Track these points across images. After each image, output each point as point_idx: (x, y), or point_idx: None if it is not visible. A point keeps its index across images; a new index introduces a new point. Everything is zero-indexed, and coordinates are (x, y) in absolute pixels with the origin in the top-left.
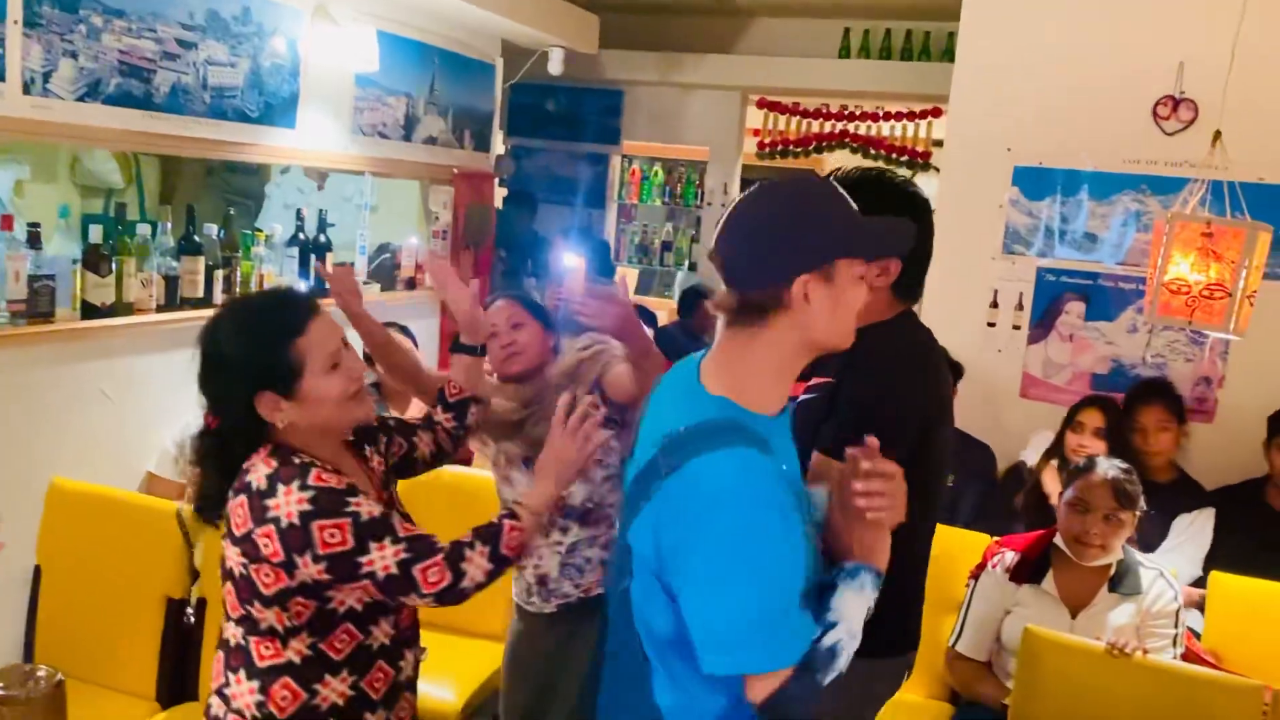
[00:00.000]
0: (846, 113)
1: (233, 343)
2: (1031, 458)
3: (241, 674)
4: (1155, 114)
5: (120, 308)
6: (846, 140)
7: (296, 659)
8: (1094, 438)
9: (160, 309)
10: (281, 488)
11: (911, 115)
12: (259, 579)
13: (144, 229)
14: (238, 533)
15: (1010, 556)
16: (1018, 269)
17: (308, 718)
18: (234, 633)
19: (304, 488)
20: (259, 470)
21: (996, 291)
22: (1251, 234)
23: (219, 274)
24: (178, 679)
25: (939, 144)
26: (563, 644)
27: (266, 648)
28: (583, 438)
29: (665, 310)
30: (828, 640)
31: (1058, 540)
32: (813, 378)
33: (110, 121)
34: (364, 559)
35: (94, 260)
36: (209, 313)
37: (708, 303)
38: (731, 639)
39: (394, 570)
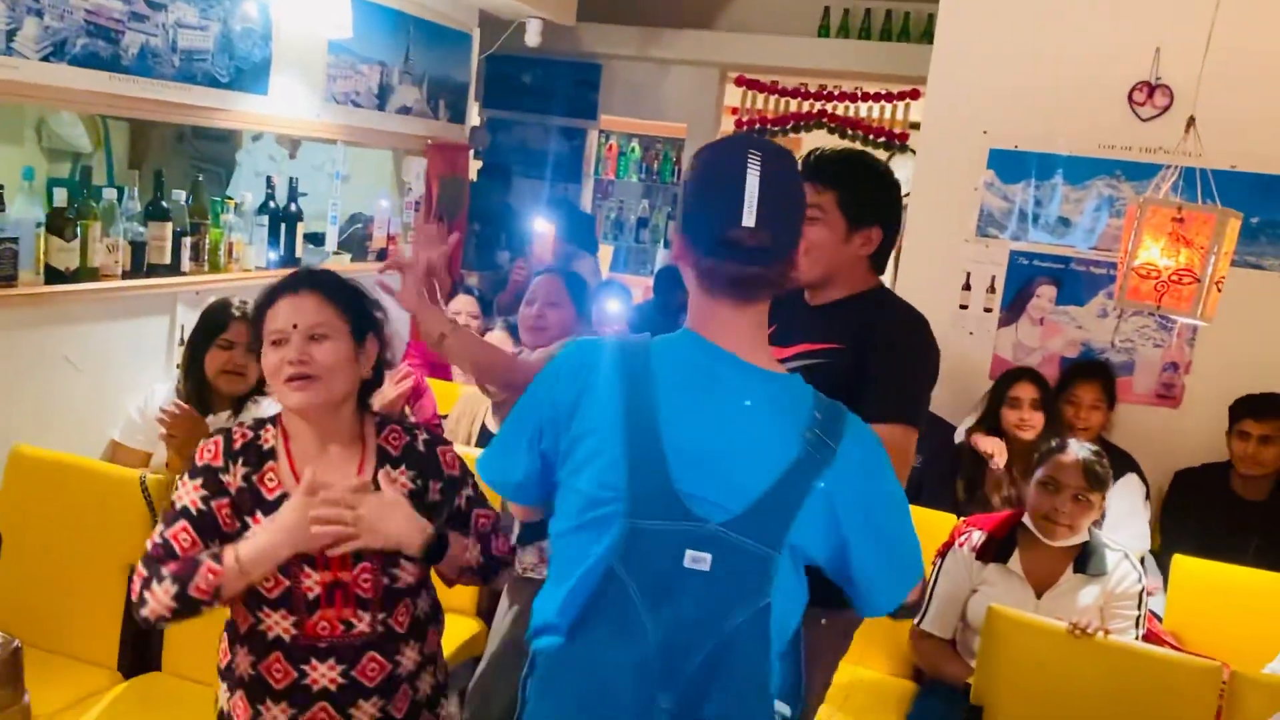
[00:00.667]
0: (825, 92)
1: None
2: (960, 437)
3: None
4: (1131, 99)
5: (85, 273)
6: (824, 120)
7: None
8: (1032, 410)
9: (126, 275)
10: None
11: (890, 97)
12: None
13: (110, 193)
14: None
15: (977, 536)
16: (991, 252)
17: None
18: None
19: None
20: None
21: (969, 274)
22: (1222, 220)
23: (186, 241)
24: (140, 649)
25: (916, 127)
26: None
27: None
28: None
29: (640, 288)
30: None
31: (1025, 520)
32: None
33: (76, 82)
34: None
35: (58, 224)
36: (176, 280)
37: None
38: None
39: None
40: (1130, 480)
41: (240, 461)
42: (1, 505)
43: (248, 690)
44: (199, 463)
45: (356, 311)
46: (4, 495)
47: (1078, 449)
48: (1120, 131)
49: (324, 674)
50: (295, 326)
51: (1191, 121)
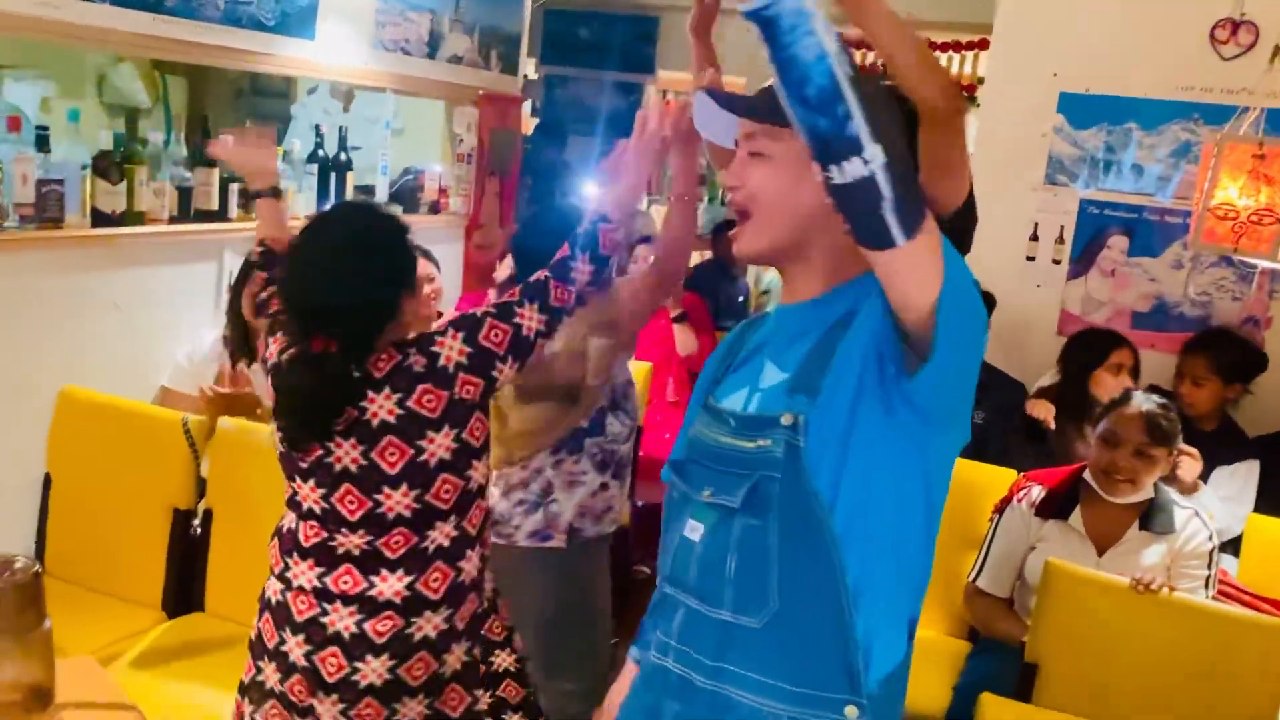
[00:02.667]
0: None
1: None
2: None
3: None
4: (1212, 37)
5: (131, 217)
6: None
7: (446, 542)
8: (1131, 377)
9: (173, 220)
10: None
11: (959, 47)
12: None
13: (156, 138)
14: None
15: (1037, 491)
16: (1060, 200)
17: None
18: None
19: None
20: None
21: (1037, 224)
22: None
23: (234, 187)
24: (184, 589)
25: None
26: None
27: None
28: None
29: (696, 252)
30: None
31: (1087, 475)
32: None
33: (119, 24)
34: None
35: (104, 166)
36: (223, 227)
37: None
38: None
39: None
40: (1249, 466)
41: None
42: (51, 447)
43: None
44: None
45: None
46: (53, 437)
47: (1141, 401)
48: (1200, 72)
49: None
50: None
51: (1277, 51)
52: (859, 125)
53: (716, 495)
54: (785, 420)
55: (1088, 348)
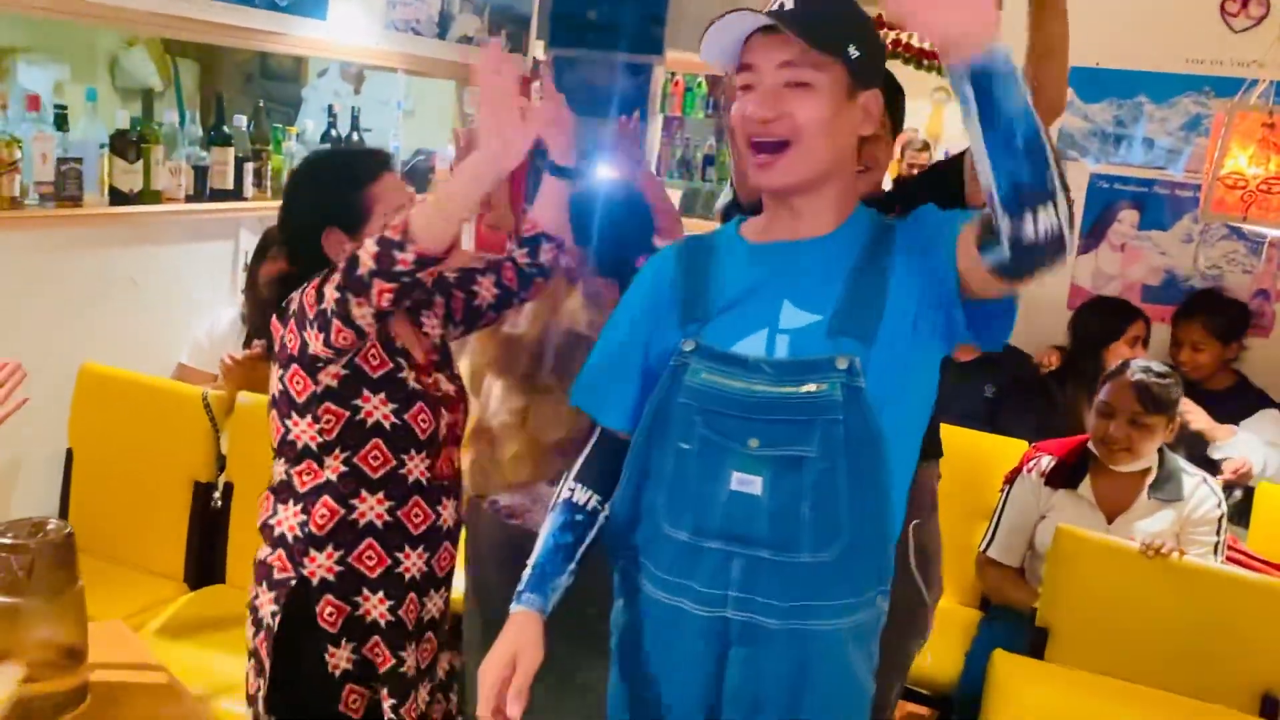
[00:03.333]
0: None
1: (314, 181)
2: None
3: (288, 503)
4: (1223, 10)
5: (148, 195)
6: (899, 51)
7: (334, 477)
8: (1144, 349)
9: (189, 199)
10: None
11: None
12: (292, 388)
13: (172, 117)
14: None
15: (1046, 461)
16: (1070, 175)
17: (346, 532)
18: (278, 470)
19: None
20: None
21: None
22: None
23: (249, 167)
24: (206, 561)
25: None
26: None
27: (307, 474)
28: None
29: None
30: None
31: (1092, 446)
32: None
33: (131, 2)
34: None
35: (121, 146)
36: (239, 205)
37: None
38: None
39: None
40: (1270, 414)
41: None
42: (73, 422)
43: (382, 537)
44: None
45: None
46: (74, 412)
47: (1136, 370)
48: (1210, 44)
49: (450, 514)
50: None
51: None
52: (1055, 175)
53: (773, 446)
54: (840, 364)
55: (1104, 319)
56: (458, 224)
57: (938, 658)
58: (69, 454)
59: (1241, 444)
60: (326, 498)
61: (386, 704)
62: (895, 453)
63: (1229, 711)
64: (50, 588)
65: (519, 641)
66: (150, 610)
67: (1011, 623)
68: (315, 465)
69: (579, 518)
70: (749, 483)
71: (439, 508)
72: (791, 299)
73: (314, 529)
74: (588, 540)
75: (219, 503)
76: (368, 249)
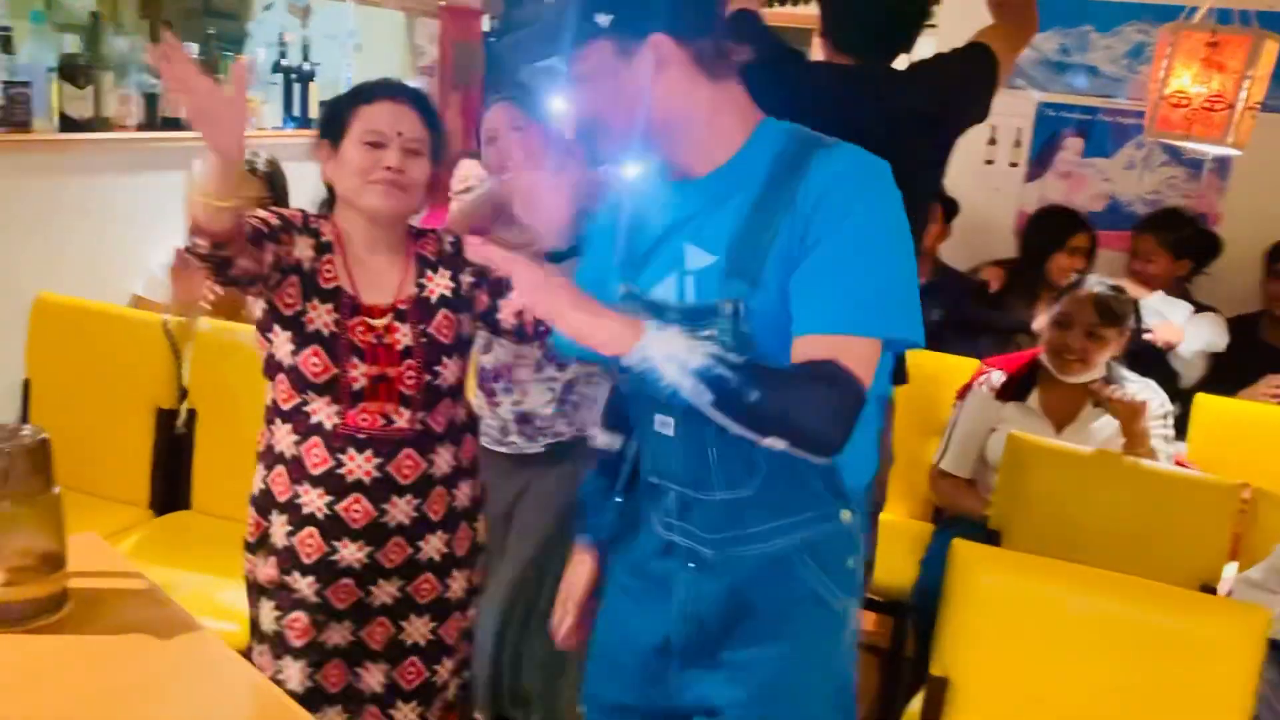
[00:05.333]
0: None
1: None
2: None
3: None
4: None
5: (99, 123)
6: None
7: (269, 400)
8: (1086, 260)
9: (141, 128)
10: None
11: None
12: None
13: (121, 43)
14: None
15: (996, 376)
16: (1016, 104)
17: (269, 455)
18: None
19: None
20: None
21: (994, 127)
22: (1257, 41)
23: None
24: (170, 487)
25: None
26: (565, 481)
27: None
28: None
29: None
30: None
31: (1043, 358)
32: None
33: None
34: None
35: (71, 71)
36: (191, 135)
37: None
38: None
39: None
40: (1221, 319)
41: (310, 239)
42: (29, 352)
43: (289, 468)
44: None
45: (439, 136)
46: (31, 342)
47: (1093, 284)
48: None
49: (360, 465)
50: (400, 134)
51: None
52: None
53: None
54: (726, 308)
55: (1047, 229)
56: (226, 202)
57: (893, 568)
58: (26, 384)
59: (1175, 313)
60: (266, 419)
61: (269, 616)
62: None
63: (1184, 591)
64: (26, 493)
65: (571, 572)
66: (117, 535)
67: (964, 530)
68: (266, 386)
69: (607, 459)
70: (666, 424)
71: (342, 456)
72: (693, 240)
73: (259, 446)
74: (624, 475)
75: (183, 429)
76: None
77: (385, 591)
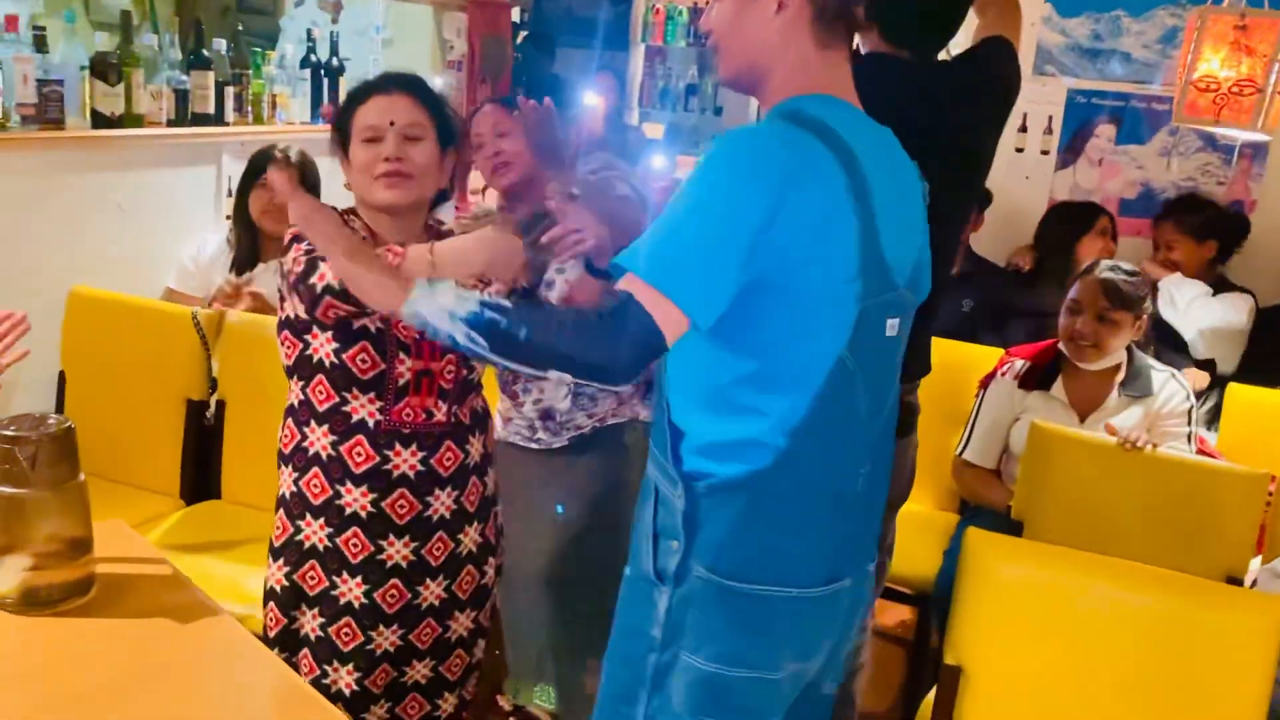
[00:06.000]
0: None
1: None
2: None
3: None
4: None
5: (130, 119)
6: None
7: (295, 402)
8: (1112, 241)
9: (171, 124)
10: None
11: None
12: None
13: (152, 40)
14: None
15: (1020, 365)
16: (1048, 91)
17: (300, 457)
18: None
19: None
20: None
21: (1025, 115)
22: None
23: (229, 91)
24: (201, 477)
25: None
26: (589, 472)
27: (289, 393)
28: None
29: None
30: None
31: (1061, 345)
32: None
33: None
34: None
35: (102, 68)
36: (220, 130)
37: None
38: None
39: None
40: (1245, 299)
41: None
42: (64, 344)
43: (326, 468)
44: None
45: (443, 118)
46: (65, 335)
47: (1104, 268)
48: None
49: (406, 460)
50: (392, 124)
51: None
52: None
53: None
54: None
55: (1069, 219)
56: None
57: (916, 559)
58: (61, 376)
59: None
60: (289, 421)
61: (312, 624)
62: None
63: (1199, 580)
64: (54, 480)
65: None
66: (149, 524)
67: (987, 520)
68: (291, 386)
69: None
70: None
71: (389, 452)
72: None
73: (282, 448)
74: None
75: (212, 420)
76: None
77: (432, 592)
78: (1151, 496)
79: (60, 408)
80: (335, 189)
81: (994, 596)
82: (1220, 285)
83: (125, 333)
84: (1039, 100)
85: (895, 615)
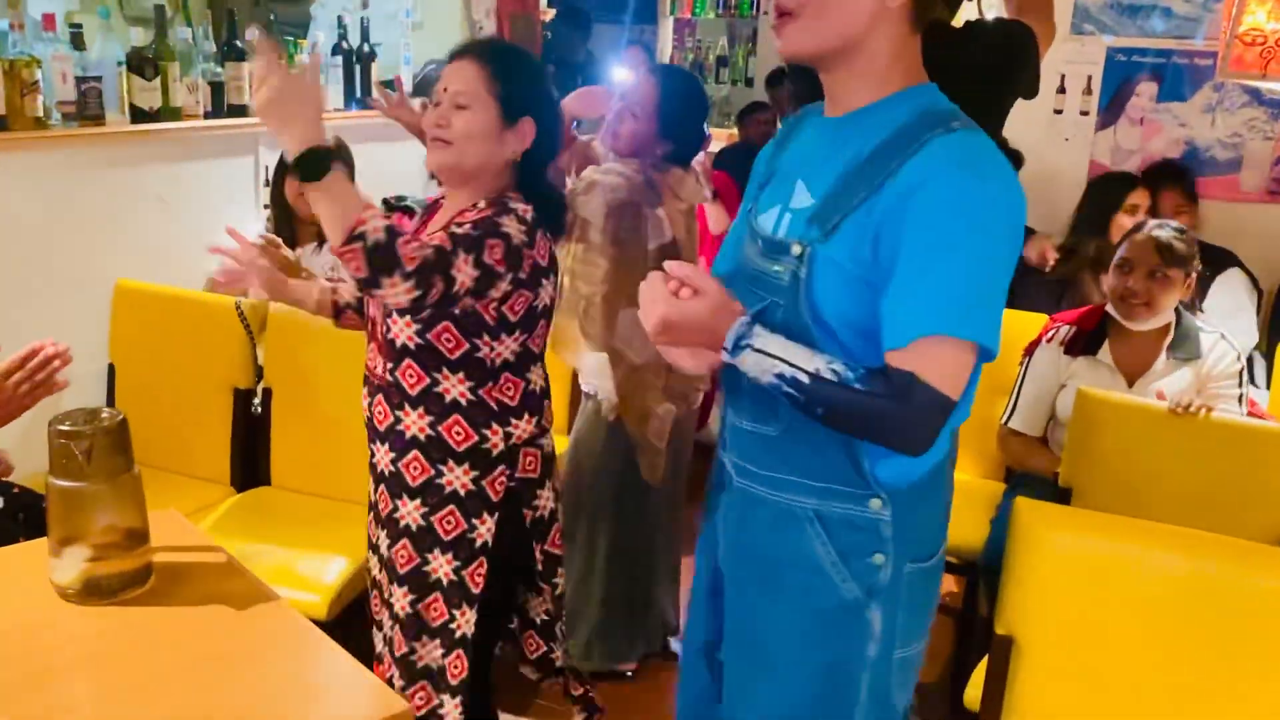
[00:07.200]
0: None
1: None
2: None
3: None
4: None
5: (167, 113)
6: None
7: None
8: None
9: (208, 115)
10: None
11: None
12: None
13: (186, 33)
14: None
15: (1065, 330)
16: (1086, 50)
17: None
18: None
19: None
20: None
21: (1063, 75)
22: None
23: None
24: (250, 464)
25: None
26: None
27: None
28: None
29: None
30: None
31: (1110, 308)
32: None
33: None
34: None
35: (139, 63)
36: (257, 121)
37: None
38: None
39: None
40: (1233, 275)
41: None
42: (112, 338)
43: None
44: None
45: (512, 89)
46: (113, 328)
47: (1154, 226)
48: None
49: (377, 413)
50: (445, 90)
51: None
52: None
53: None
54: (795, 249)
55: (1104, 193)
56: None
57: (964, 529)
58: (111, 369)
59: (1226, 318)
60: (414, 364)
61: (446, 568)
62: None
63: (1253, 544)
64: (109, 472)
65: None
66: (201, 512)
67: (1034, 488)
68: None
69: None
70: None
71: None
72: (804, 178)
73: (408, 389)
74: None
75: (259, 409)
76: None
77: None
78: (1202, 460)
79: (111, 399)
80: (371, 175)
81: (1045, 566)
82: (1208, 248)
83: (171, 324)
84: (1078, 60)
85: (943, 585)
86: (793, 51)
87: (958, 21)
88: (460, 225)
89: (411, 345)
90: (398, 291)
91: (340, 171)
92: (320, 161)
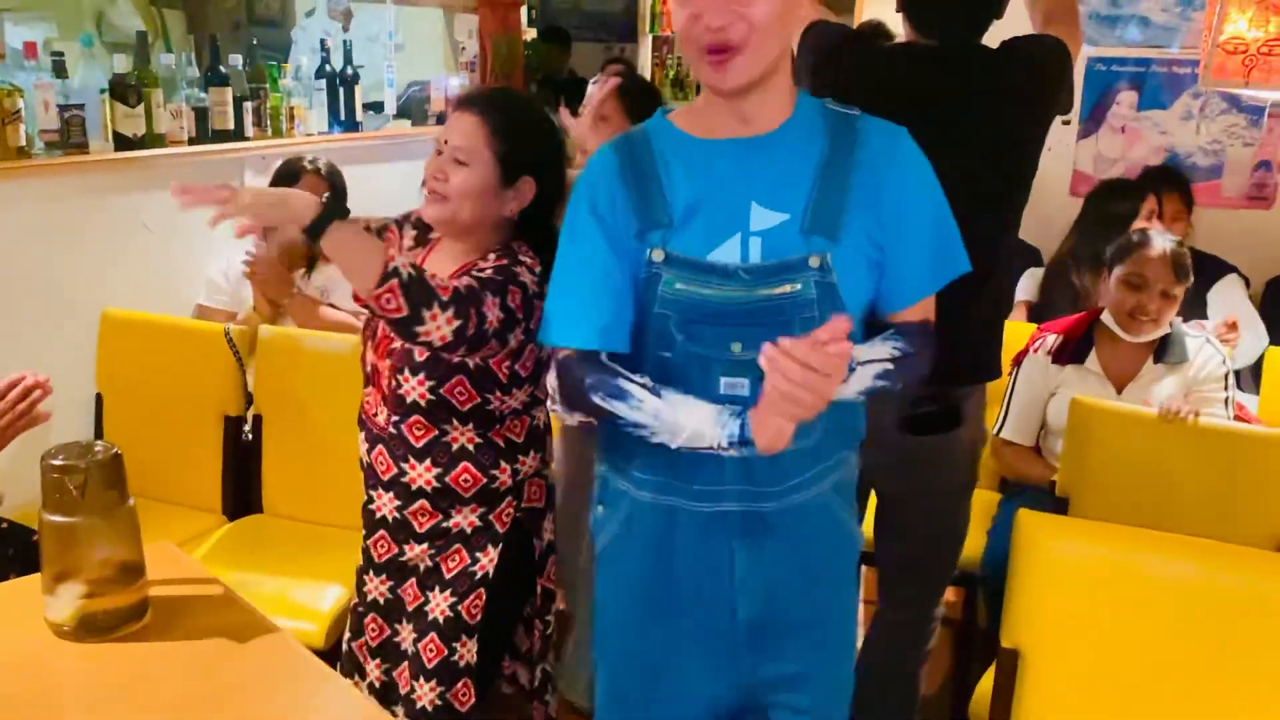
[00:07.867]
0: None
1: None
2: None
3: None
4: None
5: (152, 139)
6: None
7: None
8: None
9: (192, 141)
10: None
11: None
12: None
13: (169, 59)
14: None
15: (1052, 339)
16: None
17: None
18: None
19: None
20: None
21: None
22: None
23: (248, 106)
24: (242, 492)
25: None
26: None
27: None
28: None
29: None
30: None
31: (1104, 318)
32: None
33: None
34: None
35: (121, 90)
36: (241, 146)
37: None
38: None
39: None
40: (1232, 281)
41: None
42: (99, 367)
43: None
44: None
45: (513, 148)
46: (100, 357)
47: (1162, 241)
48: None
49: (370, 456)
50: (446, 142)
51: None
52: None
53: (755, 348)
54: (813, 263)
55: (1114, 202)
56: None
57: None
58: (98, 399)
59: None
60: (484, 467)
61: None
62: (859, 341)
63: (1252, 550)
64: (103, 506)
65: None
66: (194, 541)
67: (1030, 499)
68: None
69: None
70: (737, 385)
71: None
72: (758, 199)
73: (413, 441)
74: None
75: (249, 435)
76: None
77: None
78: (1196, 466)
79: (98, 430)
80: (358, 197)
81: (1048, 578)
82: (1198, 257)
83: (159, 352)
84: None
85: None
86: (740, 84)
87: (992, 41)
88: (482, 270)
89: (423, 402)
90: (439, 323)
91: (348, 225)
92: (322, 221)
